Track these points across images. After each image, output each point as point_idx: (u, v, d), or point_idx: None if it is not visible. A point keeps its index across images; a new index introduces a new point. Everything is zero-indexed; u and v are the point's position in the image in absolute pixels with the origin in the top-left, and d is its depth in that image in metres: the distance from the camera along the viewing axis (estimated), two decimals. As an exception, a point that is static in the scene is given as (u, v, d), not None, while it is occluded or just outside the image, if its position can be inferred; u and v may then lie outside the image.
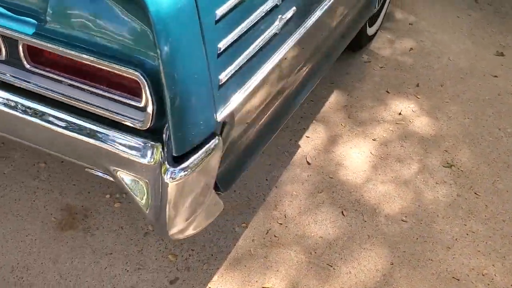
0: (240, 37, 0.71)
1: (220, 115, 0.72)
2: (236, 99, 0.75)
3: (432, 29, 2.28)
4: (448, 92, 1.95)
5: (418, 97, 1.92)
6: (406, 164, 1.66)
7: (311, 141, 1.72)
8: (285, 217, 1.49)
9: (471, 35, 2.26)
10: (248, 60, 0.74)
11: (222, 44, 0.68)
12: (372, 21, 2.05)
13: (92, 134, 0.77)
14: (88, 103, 0.76)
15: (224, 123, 0.76)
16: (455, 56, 2.13)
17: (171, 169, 0.71)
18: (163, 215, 0.76)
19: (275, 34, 0.79)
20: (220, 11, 0.66)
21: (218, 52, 0.68)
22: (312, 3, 0.90)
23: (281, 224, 1.47)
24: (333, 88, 1.93)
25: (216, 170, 0.79)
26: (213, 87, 0.68)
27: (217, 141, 0.74)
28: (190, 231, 0.86)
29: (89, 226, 1.43)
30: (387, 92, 1.93)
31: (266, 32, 0.77)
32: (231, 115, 0.76)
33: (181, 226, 0.81)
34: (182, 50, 0.62)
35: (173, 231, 0.81)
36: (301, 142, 1.71)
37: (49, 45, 0.73)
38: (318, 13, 0.95)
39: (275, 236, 1.43)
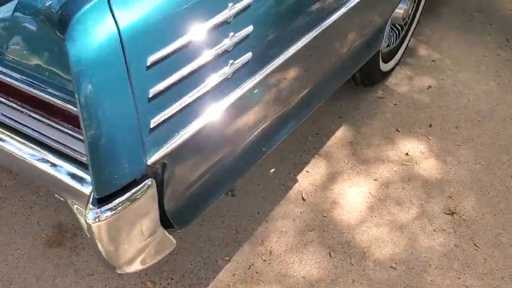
0: (178, 82, 0.71)
1: (151, 159, 0.73)
2: (174, 142, 0.75)
3: (455, 67, 2.21)
4: (462, 135, 1.88)
5: (429, 138, 1.86)
6: (405, 207, 1.61)
7: (310, 176, 1.69)
8: (270, 253, 1.46)
9: (497, 76, 2.18)
10: (188, 105, 0.74)
11: (154, 90, 0.69)
12: (388, 57, 2.02)
13: (41, 159, 0.79)
14: (37, 132, 0.79)
15: (164, 164, 0.77)
16: (475, 97, 2.05)
17: (94, 209, 0.72)
18: (97, 251, 0.77)
19: (225, 79, 0.79)
20: (152, 58, 0.67)
21: (149, 97, 0.68)
22: (279, 45, 0.89)
23: (265, 260, 1.44)
24: (341, 122, 1.90)
25: (155, 210, 0.79)
26: (142, 132, 0.69)
27: (149, 182, 0.74)
28: (137, 266, 0.86)
29: (76, 245, 1.46)
30: (397, 130, 1.88)
31: (213, 77, 0.77)
32: (173, 156, 0.76)
33: (122, 262, 0.82)
34: (102, 96, 0.63)
35: (116, 265, 0.82)
36: (299, 176, 1.69)
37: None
38: (290, 54, 0.94)
39: (257, 272, 1.41)
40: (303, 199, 1.62)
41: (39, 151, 0.81)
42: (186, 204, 0.93)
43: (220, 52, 0.76)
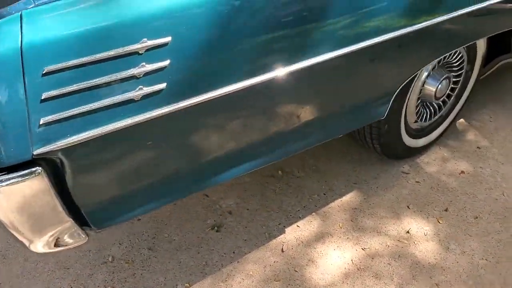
0: (74, 91, 0.85)
1: (38, 150, 0.86)
2: (67, 143, 0.88)
3: (501, 158, 2.09)
4: (479, 227, 1.76)
5: (440, 222, 1.77)
6: (382, 283, 1.55)
7: (299, 231, 1.71)
8: (228, 291, 1.50)
9: (547, 177, 2.01)
10: (86, 113, 0.87)
11: (47, 94, 0.83)
12: (419, 133, 1.98)
13: None
14: None
15: (59, 160, 0.89)
16: (511, 193, 1.92)
17: None
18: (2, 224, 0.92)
19: (131, 100, 0.90)
20: (49, 68, 0.82)
21: (41, 98, 0.83)
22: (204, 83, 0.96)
23: (220, 296, 1.49)
24: (353, 188, 1.90)
25: (51, 199, 0.91)
26: (31, 124, 0.83)
27: (38, 170, 0.87)
28: (42, 248, 0.98)
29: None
30: (408, 207, 1.83)
31: (116, 97, 0.88)
32: (68, 155, 0.89)
33: (23, 238, 0.95)
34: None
35: (23, 242, 0.96)
36: (288, 229, 1.72)
37: None
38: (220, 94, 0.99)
39: (208, 305, 1.46)
40: (282, 250, 1.64)
41: None
42: (103, 207, 1.04)
43: (126, 76, 0.88)
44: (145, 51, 0.89)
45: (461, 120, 2.28)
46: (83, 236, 1.02)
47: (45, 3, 0.83)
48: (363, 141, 1.90)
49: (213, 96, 1.00)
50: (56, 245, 1.00)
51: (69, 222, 0.98)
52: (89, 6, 0.85)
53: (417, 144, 2.00)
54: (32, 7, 0.83)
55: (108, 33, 0.86)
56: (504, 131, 2.23)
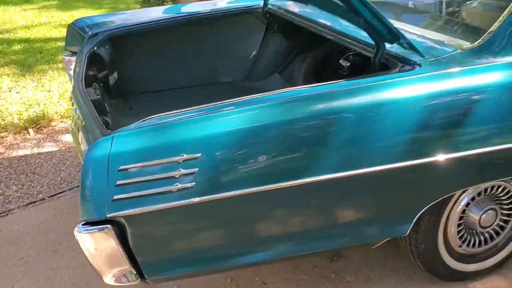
0: (134, 183, 1.38)
1: (110, 214, 1.38)
2: (128, 214, 1.39)
3: None
4: None
5: None
6: None
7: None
8: None
9: None
10: (139, 197, 1.39)
11: (119, 183, 1.38)
12: (471, 259, 2.10)
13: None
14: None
15: (123, 223, 1.41)
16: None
17: (79, 226, 1.40)
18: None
19: (170, 191, 1.40)
20: (121, 167, 1.38)
21: (115, 184, 1.37)
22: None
23: None
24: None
25: (117, 250, 1.41)
26: (107, 198, 1.37)
27: (108, 226, 1.39)
28: (110, 281, 1.49)
29: None
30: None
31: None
32: (131, 222, 1.40)
33: (100, 272, 1.47)
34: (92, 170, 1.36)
35: (98, 273, 1.49)
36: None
37: None
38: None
39: None
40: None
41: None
42: (153, 262, 1.53)
43: (168, 176, 1.41)
44: (182, 161, 1.42)
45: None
46: (137, 279, 1.52)
47: (125, 130, 1.43)
48: (410, 258, 2.12)
49: (225, 196, 1.47)
50: (117, 281, 1.51)
51: (127, 266, 1.49)
52: (150, 133, 1.42)
53: (466, 269, 2.12)
54: (119, 133, 1.43)
55: (160, 150, 1.41)
56: None
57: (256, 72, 3.15)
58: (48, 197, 2.85)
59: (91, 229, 1.39)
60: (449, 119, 1.65)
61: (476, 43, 1.84)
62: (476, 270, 2.14)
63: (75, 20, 2.84)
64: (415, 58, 1.79)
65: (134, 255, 1.49)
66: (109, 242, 1.41)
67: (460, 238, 2.05)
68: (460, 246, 2.06)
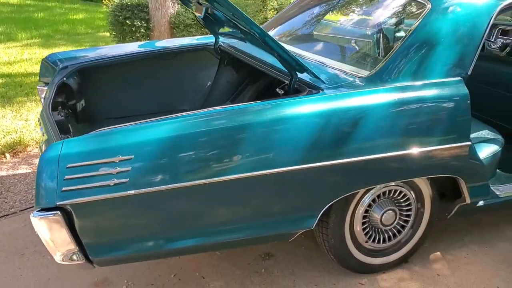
0: (79, 178, 1.75)
1: (58, 203, 1.74)
2: (75, 203, 1.76)
3: (454, 286, 2.47)
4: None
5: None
6: None
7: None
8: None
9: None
10: (81, 189, 1.75)
11: (67, 177, 1.75)
12: (373, 253, 2.47)
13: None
14: None
15: (70, 210, 1.76)
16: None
17: (35, 212, 1.76)
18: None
19: (107, 185, 1.77)
20: (68, 165, 1.75)
21: (63, 179, 1.74)
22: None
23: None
24: (313, 288, 2.45)
25: (65, 233, 1.77)
26: (58, 186, 1.73)
27: (58, 212, 1.74)
28: (58, 259, 1.84)
29: None
30: (348, 307, 2.32)
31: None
32: (76, 209, 1.76)
33: (51, 252, 1.82)
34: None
35: (51, 254, 1.83)
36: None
37: None
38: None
39: None
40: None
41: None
42: (99, 246, 1.88)
43: (107, 173, 1.79)
44: (118, 161, 1.80)
45: (437, 252, 2.70)
46: (82, 260, 1.87)
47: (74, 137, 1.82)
48: (326, 254, 2.49)
49: (153, 190, 1.85)
50: (65, 259, 1.86)
51: (73, 247, 1.84)
52: (93, 139, 1.82)
53: (373, 262, 2.50)
54: (69, 139, 1.82)
55: (101, 152, 1.80)
56: (474, 265, 2.60)
57: (211, 101, 3.57)
58: (19, 211, 3.18)
59: (44, 214, 1.75)
60: (342, 131, 2.07)
61: (370, 72, 2.29)
62: (382, 263, 2.52)
63: (48, 55, 3.26)
64: (321, 84, 2.23)
65: (80, 237, 1.85)
66: (58, 225, 1.77)
67: (366, 234, 2.43)
68: (367, 242, 2.44)
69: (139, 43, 3.77)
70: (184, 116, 1.95)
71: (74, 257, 1.86)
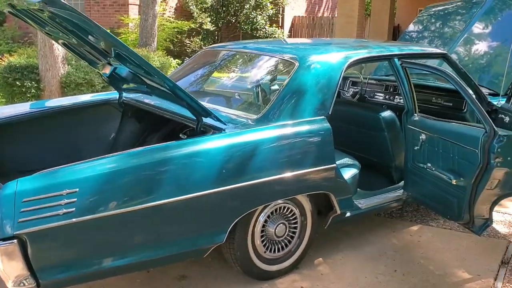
0: (32, 210, 2.10)
1: (16, 232, 2.07)
2: (30, 232, 2.09)
3: (334, 280, 3.11)
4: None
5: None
6: None
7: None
8: None
9: (362, 289, 3.00)
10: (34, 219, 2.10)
11: (23, 210, 2.09)
12: (275, 262, 3.02)
13: None
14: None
15: (25, 239, 2.09)
16: (330, 298, 2.90)
17: None
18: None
19: (57, 215, 2.15)
20: (24, 199, 2.10)
21: (20, 211, 2.07)
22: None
23: None
24: (225, 296, 2.93)
25: (20, 260, 2.08)
26: (15, 218, 2.06)
27: (14, 241, 2.06)
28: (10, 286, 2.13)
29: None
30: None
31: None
32: (32, 238, 2.09)
33: (4, 278, 2.10)
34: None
35: (3, 279, 2.11)
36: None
37: None
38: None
39: None
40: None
41: None
42: (48, 269, 2.19)
43: (56, 205, 2.16)
44: (66, 194, 2.19)
45: (320, 258, 3.35)
46: (33, 284, 2.17)
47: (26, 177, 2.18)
48: (232, 266, 3.01)
49: (96, 217, 2.25)
50: (16, 285, 2.15)
51: (25, 272, 2.14)
52: (43, 177, 2.19)
53: (271, 269, 3.06)
54: (22, 178, 2.17)
55: (50, 187, 2.17)
56: (348, 265, 3.29)
57: (117, 150, 3.97)
58: None
59: (3, 244, 2.07)
60: (241, 160, 2.66)
61: (258, 115, 2.94)
62: (278, 270, 3.08)
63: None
64: (222, 126, 2.81)
65: (31, 263, 2.17)
66: (14, 253, 2.08)
67: (264, 246, 3.01)
68: (265, 252, 3.01)
69: (45, 100, 4.08)
70: (116, 155, 2.40)
71: (26, 282, 2.16)
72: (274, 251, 3.06)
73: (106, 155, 2.38)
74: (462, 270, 3.22)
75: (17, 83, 5.82)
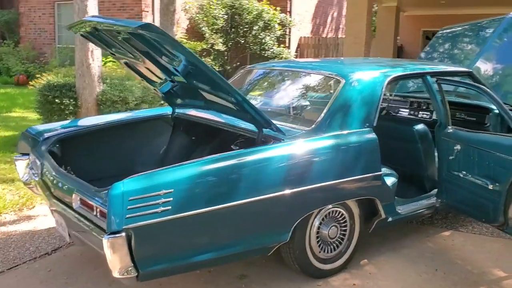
0: (139, 207, 2.39)
1: (125, 226, 2.34)
2: (135, 228, 2.37)
3: (381, 278, 3.38)
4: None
5: (332, 306, 3.02)
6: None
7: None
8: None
9: None
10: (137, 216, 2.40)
11: (129, 207, 2.38)
12: (328, 261, 3.29)
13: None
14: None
15: (130, 233, 2.37)
16: (381, 293, 3.18)
17: (105, 235, 2.34)
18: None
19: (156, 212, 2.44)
20: (130, 198, 2.39)
21: (127, 208, 2.37)
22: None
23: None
24: (285, 292, 3.19)
25: (126, 250, 2.36)
26: (123, 214, 2.34)
27: (122, 234, 2.34)
28: (117, 276, 2.40)
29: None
30: (315, 300, 3.10)
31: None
32: (136, 233, 2.37)
33: (112, 268, 2.40)
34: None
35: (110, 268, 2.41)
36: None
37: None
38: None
39: None
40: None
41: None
42: (146, 262, 2.47)
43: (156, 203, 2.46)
44: (163, 194, 2.48)
45: (365, 259, 3.62)
46: (135, 273, 2.44)
47: (129, 178, 2.47)
48: (290, 265, 3.28)
49: (186, 215, 2.53)
50: (121, 274, 2.42)
51: (130, 263, 2.42)
52: (143, 179, 2.48)
53: (325, 268, 3.33)
54: (127, 179, 2.46)
55: (150, 188, 2.46)
56: (392, 265, 3.56)
57: (166, 162, 4.26)
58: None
59: (114, 236, 2.34)
60: (304, 166, 2.96)
61: (311, 127, 3.24)
62: (331, 268, 3.36)
63: (27, 128, 3.76)
64: (281, 136, 3.11)
65: (133, 255, 2.44)
66: (122, 244, 2.36)
67: (319, 246, 3.29)
68: (320, 252, 3.29)
69: (104, 115, 4.38)
70: (202, 160, 2.70)
71: (129, 271, 2.44)
72: (327, 251, 3.33)
73: (194, 160, 2.68)
74: (497, 269, 3.49)
75: (56, 100, 6.13)
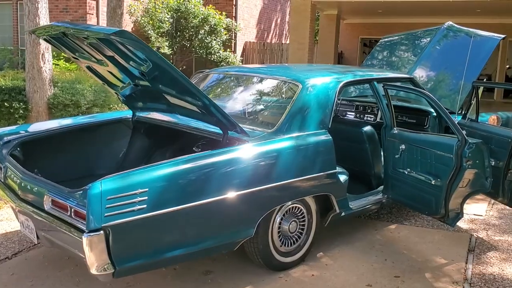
0: (117, 206, 2.51)
1: (103, 224, 2.45)
2: (112, 226, 2.49)
3: (338, 268, 3.64)
4: (316, 296, 3.24)
5: (295, 295, 3.25)
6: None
7: (216, 303, 3.16)
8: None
9: (362, 275, 3.55)
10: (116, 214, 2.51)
11: (107, 206, 2.49)
12: (288, 254, 3.52)
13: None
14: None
15: (109, 230, 2.47)
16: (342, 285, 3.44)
17: (85, 234, 2.44)
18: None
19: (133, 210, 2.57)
20: (108, 197, 2.50)
21: (105, 207, 2.48)
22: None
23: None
24: (247, 284, 3.38)
25: (104, 248, 2.46)
26: (102, 212, 2.45)
27: (100, 232, 2.45)
28: (95, 272, 2.51)
29: None
30: (278, 290, 3.31)
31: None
32: (113, 230, 2.48)
33: (90, 265, 2.49)
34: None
35: (88, 265, 2.50)
36: (211, 302, 3.16)
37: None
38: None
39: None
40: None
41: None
42: (122, 258, 2.58)
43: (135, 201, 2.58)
44: (139, 193, 2.60)
45: (321, 252, 3.88)
46: (112, 270, 2.54)
47: (106, 178, 2.57)
48: (254, 259, 3.47)
49: (161, 213, 2.68)
50: (98, 270, 2.51)
51: (107, 260, 2.52)
52: (119, 179, 2.59)
53: (285, 261, 3.55)
54: (104, 179, 2.56)
55: (126, 187, 2.58)
56: (346, 256, 3.83)
57: (126, 165, 4.34)
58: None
59: (93, 234, 2.44)
60: (265, 166, 3.16)
61: (272, 129, 3.46)
62: (291, 261, 3.58)
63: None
64: (246, 138, 3.31)
65: (111, 252, 2.55)
66: (101, 242, 2.46)
67: (280, 240, 3.50)
68: (281, 246, 3.51)
69: (64, 118, 4.39)
70: (174, 160, 2.85)
71: (106, 268, 2.54)
72: (288, 245, 3.55)
73: (167, 160, 2.82)
74: (439, 257, 3.86)
75: (5, 104, 6.02)
